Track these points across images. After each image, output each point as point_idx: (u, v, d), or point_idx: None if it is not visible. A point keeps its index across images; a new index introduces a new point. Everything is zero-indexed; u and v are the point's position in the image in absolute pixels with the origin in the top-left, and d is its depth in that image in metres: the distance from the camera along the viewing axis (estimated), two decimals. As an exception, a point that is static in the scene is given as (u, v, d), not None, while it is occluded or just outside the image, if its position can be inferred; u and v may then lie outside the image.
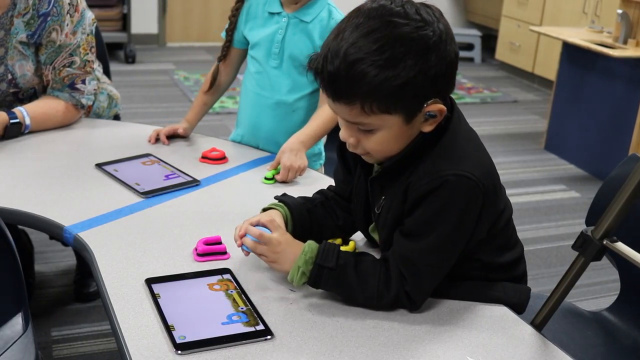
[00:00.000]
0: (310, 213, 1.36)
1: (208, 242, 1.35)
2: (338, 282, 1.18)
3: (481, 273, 1.27)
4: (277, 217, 1.31)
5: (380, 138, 1.15)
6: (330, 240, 1.36)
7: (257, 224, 1.26)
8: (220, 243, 1.36)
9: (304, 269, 1.18)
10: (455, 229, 1.17)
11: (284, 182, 1.69)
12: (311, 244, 1.20)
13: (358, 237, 1.42)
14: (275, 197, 1.39)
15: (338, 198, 1.40)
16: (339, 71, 1.08)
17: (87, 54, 2.00)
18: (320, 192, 1.43)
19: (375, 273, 1.18)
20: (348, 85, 1.09)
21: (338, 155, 1.37)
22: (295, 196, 1.40)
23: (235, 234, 1.29)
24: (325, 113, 1.78)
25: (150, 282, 1.24)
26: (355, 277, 1.18)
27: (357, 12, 1.12)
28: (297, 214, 1.34)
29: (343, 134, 1.19)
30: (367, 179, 1.28)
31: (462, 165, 1.14)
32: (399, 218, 1.21)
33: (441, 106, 1.13)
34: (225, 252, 1.35)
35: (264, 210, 1.36)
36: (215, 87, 1.99)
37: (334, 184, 1.45)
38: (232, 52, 1.97)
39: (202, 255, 1.33)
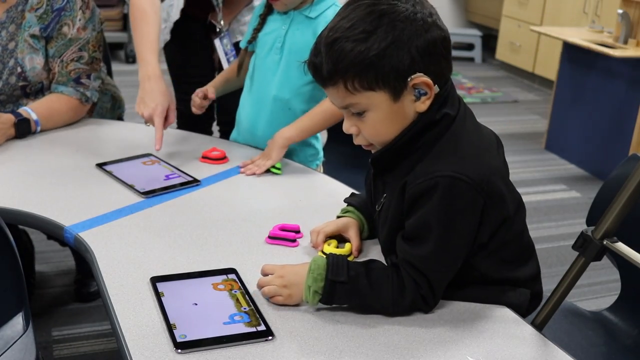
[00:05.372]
0: None
1: (284, 228, 1.43)
2: (352, 294, 1.17)
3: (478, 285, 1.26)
4: (353, 225, 1.38)
5: (373, 120, 1.17)
6: (325, 244, 1.37)
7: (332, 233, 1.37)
8: (298, 232, 1.43)
9: (315, 288, 1.16)
10: (451, 232, 1.15)
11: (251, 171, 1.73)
12: (317, 261, 1.19)
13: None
14: (345, 200, 1.46)
15: None
16: (322, 56, 1.15)
17: (96, 51, 2.01)
18: None
19: (388, 280, 1.17)
20: (329, 66, 1.14)
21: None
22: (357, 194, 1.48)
23: (313, 240, 1.37)
24: (319, 109, 1.78)
25: (155, 280, 1.24)
26: (368, 286, 1.17)
27: (344, 6, 1.19)
28: (368, 217, 1.39)
29: (345, 125, 1.23)
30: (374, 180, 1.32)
31: (458, 168, 1.13)
32: (399, 217, 1.21)
33: (426, 79, 1.13)
34: (294, 240, 1.41)
35: (339, 217, 1.42)
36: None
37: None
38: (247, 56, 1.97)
39: (272, 238, 1.41)
